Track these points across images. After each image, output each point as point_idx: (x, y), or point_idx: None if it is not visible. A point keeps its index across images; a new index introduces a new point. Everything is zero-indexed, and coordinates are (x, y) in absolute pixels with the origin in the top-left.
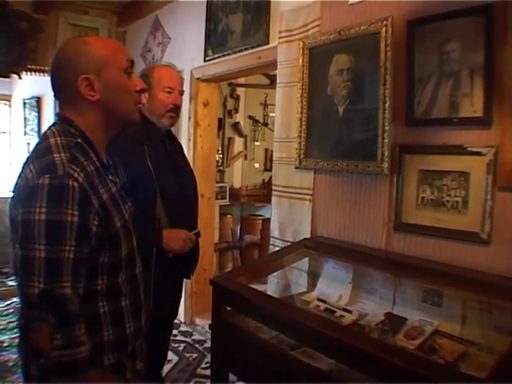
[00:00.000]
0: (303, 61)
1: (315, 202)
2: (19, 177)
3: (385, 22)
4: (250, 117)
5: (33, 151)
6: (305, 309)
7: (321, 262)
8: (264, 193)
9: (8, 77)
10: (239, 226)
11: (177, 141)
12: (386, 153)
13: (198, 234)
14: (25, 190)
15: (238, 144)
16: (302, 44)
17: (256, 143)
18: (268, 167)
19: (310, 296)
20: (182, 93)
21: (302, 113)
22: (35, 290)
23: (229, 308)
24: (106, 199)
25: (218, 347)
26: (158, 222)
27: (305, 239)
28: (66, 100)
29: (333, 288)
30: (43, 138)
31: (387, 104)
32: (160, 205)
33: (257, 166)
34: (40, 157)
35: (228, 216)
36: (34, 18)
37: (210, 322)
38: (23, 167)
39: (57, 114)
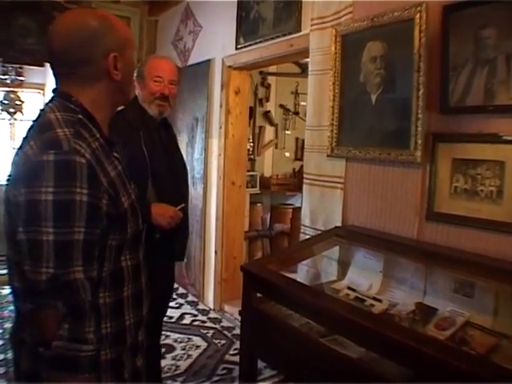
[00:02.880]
0: (335, 48)
1: (347, 191)
2: (16, 155)
3: (419, 8)
4: (281, 105)
5: (30, 128)
6: (336, 297)
7: (351, 250)
8: (294, 182)
9: (42, 66)
10: (269, 215)
11: (172, 131)
12: (420, 141)
13: (183, 209)
14: (26, 167)
15: (269, 133)
16: (334, 31)
17: (287, 132)
18: (299, 156)
19: (340, 284)
20: (172, 82)
21: (334, 101)
22: (43, 276)
23: (259, 294)
24: (114, 177)
25: (247, 333)
26: (148, 201)
27: (336, 228)
28: (81, 77)
29: (363, 277)
30: (41, 114)
31: (421, 92)
32: (150, 185)
33: (287, 154)
34: (41, 132)
35: (258, 205)
36: (66, 7)
37: (238, 309)
38: (21, 145)
39: (53, 90)
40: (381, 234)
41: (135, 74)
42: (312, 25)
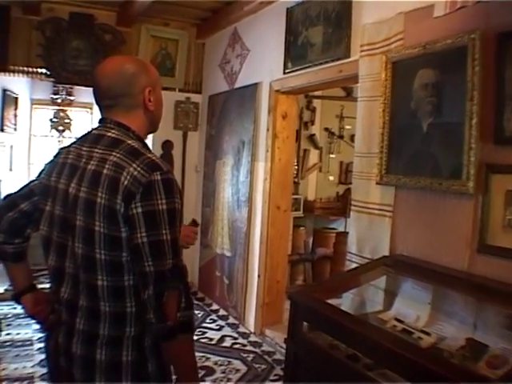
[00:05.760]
0: (386, 75)
1: (395, 219)
2: (112, 170)
3: (472, 36)
4: (326, 129)
5: (109, 146)
6: (383, 328)
7: (399, 280)
8: (338, 206)
9: (91, 86)
10: (312, 239)
11: None
12: (472, 171)
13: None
14: (138, 186)
15: (314, 156)
16: (384, 58)
17: (331, 156)
18: (343, 180)
19: (387, 315)
20: None
21: (383, 128)
22: (168, 266)
23: (305, 323)
24: None
25: (292, 362)
26: None
27: (384, 257)
28: (123, 107)
29: (411, 308)
30: (116, 139)
31: (474, 121)
32: None
33: (331, 178)
34: (135, 156)
35: (301, 228)
36: (117, 30)
37: (280, 333)
38: (118, 164)
39: (106, 120)
40: (430, 265)
41: None
42: (362, 51)
